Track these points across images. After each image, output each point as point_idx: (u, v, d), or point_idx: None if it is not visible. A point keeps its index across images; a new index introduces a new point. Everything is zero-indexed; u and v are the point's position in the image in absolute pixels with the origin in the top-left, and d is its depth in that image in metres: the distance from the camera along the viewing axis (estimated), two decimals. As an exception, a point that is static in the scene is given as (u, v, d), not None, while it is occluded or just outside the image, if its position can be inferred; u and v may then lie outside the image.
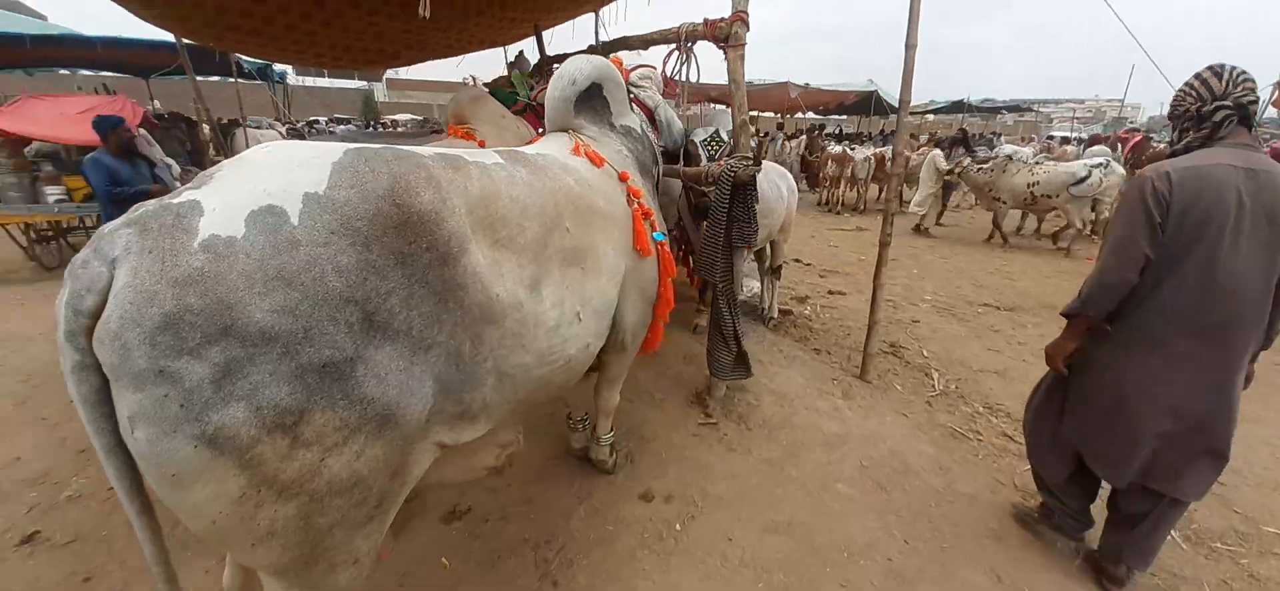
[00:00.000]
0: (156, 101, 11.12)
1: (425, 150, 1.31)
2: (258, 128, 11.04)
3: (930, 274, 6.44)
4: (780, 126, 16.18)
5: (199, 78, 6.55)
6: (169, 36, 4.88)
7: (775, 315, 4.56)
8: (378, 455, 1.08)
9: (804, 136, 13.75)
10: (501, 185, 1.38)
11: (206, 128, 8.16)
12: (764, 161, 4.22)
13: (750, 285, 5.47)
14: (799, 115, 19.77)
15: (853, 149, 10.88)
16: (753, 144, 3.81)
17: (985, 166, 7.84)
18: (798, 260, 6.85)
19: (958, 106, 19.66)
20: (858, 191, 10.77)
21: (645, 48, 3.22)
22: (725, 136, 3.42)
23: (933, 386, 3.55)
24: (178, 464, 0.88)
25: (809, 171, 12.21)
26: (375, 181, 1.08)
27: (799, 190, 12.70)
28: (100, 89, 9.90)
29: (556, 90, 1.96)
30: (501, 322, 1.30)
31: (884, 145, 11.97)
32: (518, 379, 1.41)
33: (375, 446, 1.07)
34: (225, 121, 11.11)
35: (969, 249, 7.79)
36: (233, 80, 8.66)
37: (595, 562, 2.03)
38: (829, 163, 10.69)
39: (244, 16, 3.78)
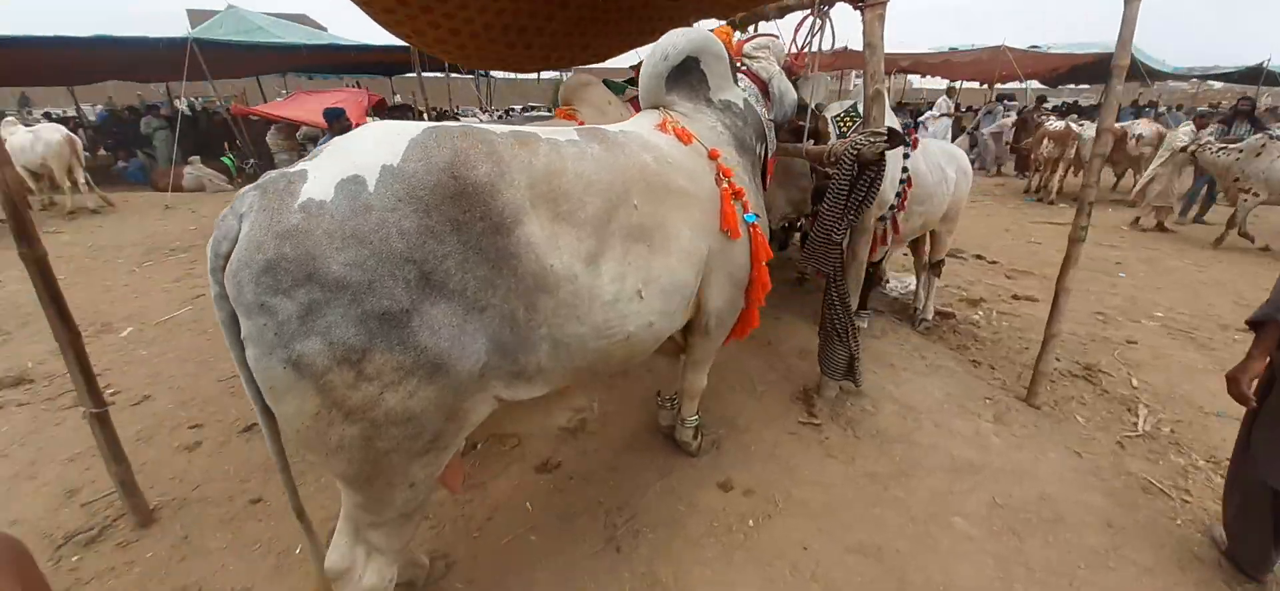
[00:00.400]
0: (398, 95, 13.62)
1: (499, 128, 1.42)
2: (465, 115, 12.88)
3: (1171, 284, 5.05)
4: (950, 93, 13.82)
5: (425, 74, 7.88)
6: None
7: (929, 317, 3.99)
8: (430, 397, 1.22)
9: (1013, 111, 11.62)
10: (569, 161, 1.43)
11: (424, 115, 9.85)
12: (925, 140, 3.70)
13: (904, 281, 4.88)
14: (1016, 85, 16.70)
15: (1081, 124, 8.89)
16: (903, 122, 3.37)
17: (1234, 147, 5.89)
18: (981, 256, 5.88)
19: (1252, 74, 14.59)
20: (1084, 177, 8.79)
21: (781, 16, 3.02)
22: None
23: (1134, 424, 2.82)
24: (273, 379, 1.11)
25: (1018, 152, 10.31)
26: (439, 155, 1.21)
27: (1008, 175, 10.88)
28: (354, 85, 12.42)
29: (649, 66, 1.95)
30: (556, 292, 1.36)
31: (1137, 118, 9.57)
32: (573, 348, 1.45)
33: (427, 389, 1.21)
34: (439, 110, 13.12)
35: (1238, 256, 5.90)
36: (446, 76, 10.20)
37: (660, 539, 2.05)
38: (1044, 141, 8.89)
39: (453, 33, 4.47)
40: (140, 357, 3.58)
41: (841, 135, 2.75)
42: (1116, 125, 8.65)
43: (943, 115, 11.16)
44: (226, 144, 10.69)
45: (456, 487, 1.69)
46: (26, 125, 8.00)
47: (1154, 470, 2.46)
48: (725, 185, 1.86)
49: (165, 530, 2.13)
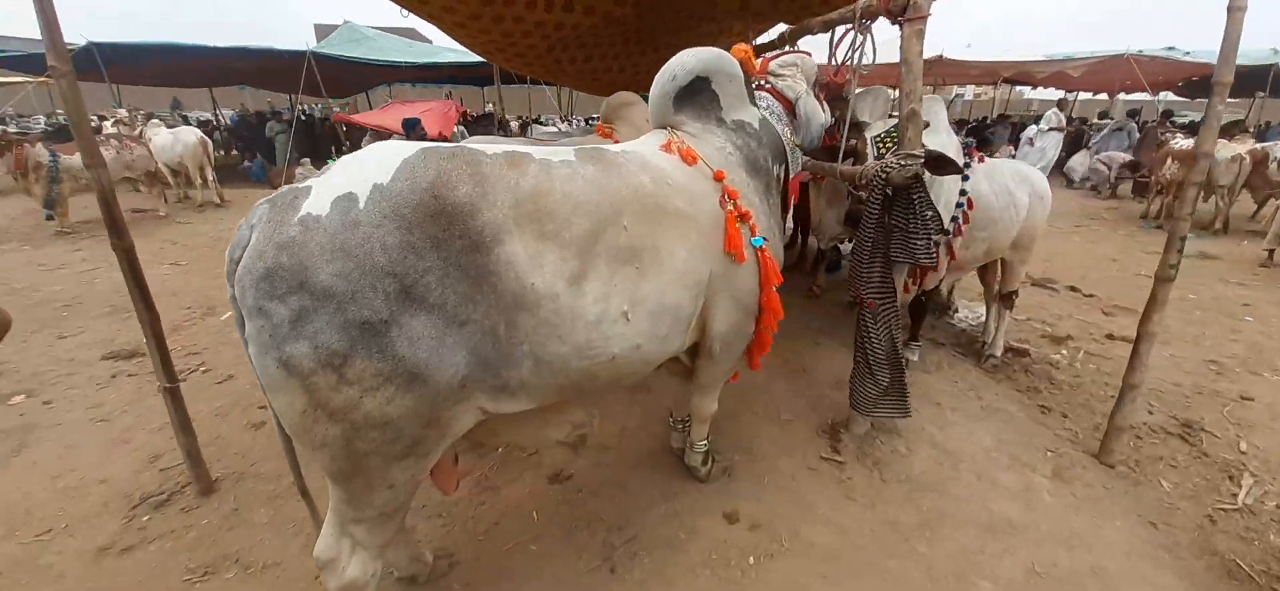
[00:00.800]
0: (490, 104, 14.41)
1: (492, 149, 1.47)
2: (542, 125, 13.42)
3: (1312, 333, 4.29)
4: (1062, 105, 12.38)
5: (509, 86, 8.33)
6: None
7: (997, 353, 3.64)
8: (407, 404, 1.29)
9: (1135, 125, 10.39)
10: (558, 181, 1.46)
11: (514, 123, 10.37)
12: (993, 160, 3.41)
13: (976, 311, 4.50)
14: (1144, 96, 14.90)
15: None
16: (963, 141, 3.12)
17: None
18: (1076, 288, 5.30)
19: None
20: (1217, 203, 7.69)
21: (826, 30, 2.90)
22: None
23: (1233, 495, 2.43)
24: (268, 377, 1.22)
25: (1135, 172, 9.21)
26: (423, 175, 1.28)
27: (1125, 197, 9.72)
28: (447, 95, 13.28)
29: (657, 86, 1.94)
30: (536, 311, 1.39)
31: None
32: (556, 366, 1.48)
33: (405, 396, 1.28)
34: (521, 119, 13.74)
35: None
36: (527, 87, 10.68)
37: (657, 563, 2.02)
38: (1168, 161, 7.86)
39: (510, 47, 4.73)
40: (234, 340, 4.03)
41: (878, 156, 2.59)
42: (1258, 147, 7.51)
43: (1051, 130, 10.16)
44: (333, 148, 11.82)
45: (450, 489, 1.76)
46: (169, 128, 9.24)
47: (1247, 551, 2.11)
48: (730, 207, 1.81)
49: (222, 500, 2.38)
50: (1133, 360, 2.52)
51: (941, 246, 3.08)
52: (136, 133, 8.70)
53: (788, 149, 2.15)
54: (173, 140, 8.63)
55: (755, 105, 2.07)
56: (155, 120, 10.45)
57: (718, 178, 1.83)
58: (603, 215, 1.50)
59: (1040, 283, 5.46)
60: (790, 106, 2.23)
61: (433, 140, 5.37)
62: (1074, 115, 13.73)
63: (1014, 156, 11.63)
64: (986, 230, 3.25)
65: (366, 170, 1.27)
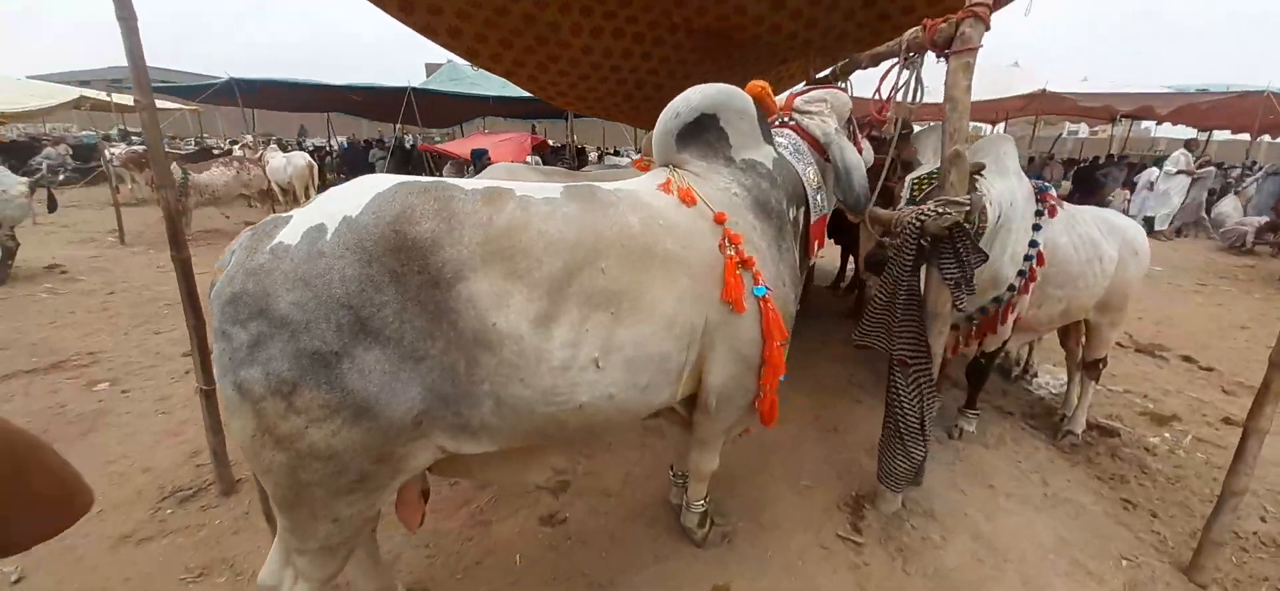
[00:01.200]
0: (576, 135, 15.06)
1: (472, 184, 1.46)
2: (615, 155, 13.71)
3: None
4: (1191, 146, 10.75)
5: (582, 120, 8.64)
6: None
7: (1077, 431, 3.14)
8: (354, 437, 1.26)
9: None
10: (535, 219, 1.41)
11: (594, 152, 10.68)
12: (1077, 208, 3.00)
13: (1058, 377, 3.95)
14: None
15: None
16: (1038, 184, 2.78)
17: None
18: (1191, 359, 4.54)
19: None
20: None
21: (875, 64, 2.70)
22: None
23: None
24: (226, 397, 1.25)
25: (1276, 232, 7.90)
26: (389, 209, 1.28)
27: (1263, 253, 8.34)
28: (531, 128, 14.00)
29: (660, 123, 1.85)
30: (498, 351, 1.34)
31: None
32: (520, 410, 1.42)
33: (352, 430, 1.25)
34: (598, 150, 14.15)
35: None
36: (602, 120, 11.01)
37: (631, 633, 1.86)
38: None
39: (599, 101, 4.91)
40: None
41: (912, 202, 2.33)
42: None
43: (1179, 173, 8.99)
44: (427, 175, 12.81)
45: (413, 526, 1.72)
46: (284, 152, 10.37)
47: None
48: (731, 252, 1.67)
49: (238, 502, 2.50)
50: (1236, 461, 2.06)
51: (1005, 303, 2.74)
52: (257, 156, 9.84)
53: (809, 190, 1.98)
54: (285, 163, 9.67)
55: (771, 143, 1.92)
56: (273, 145, 11.77)
57: (718, 220, 1.70)
58: (579, 256, 1.43)
59: (1146, 349, 4.73)
60: (818, 146, 2.06)
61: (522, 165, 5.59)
62: (1212, 159, 12.03)
63: (1129, 204, 10.39)
64: (1064, 288, 2.85)
65: (342, 202, 1.29)
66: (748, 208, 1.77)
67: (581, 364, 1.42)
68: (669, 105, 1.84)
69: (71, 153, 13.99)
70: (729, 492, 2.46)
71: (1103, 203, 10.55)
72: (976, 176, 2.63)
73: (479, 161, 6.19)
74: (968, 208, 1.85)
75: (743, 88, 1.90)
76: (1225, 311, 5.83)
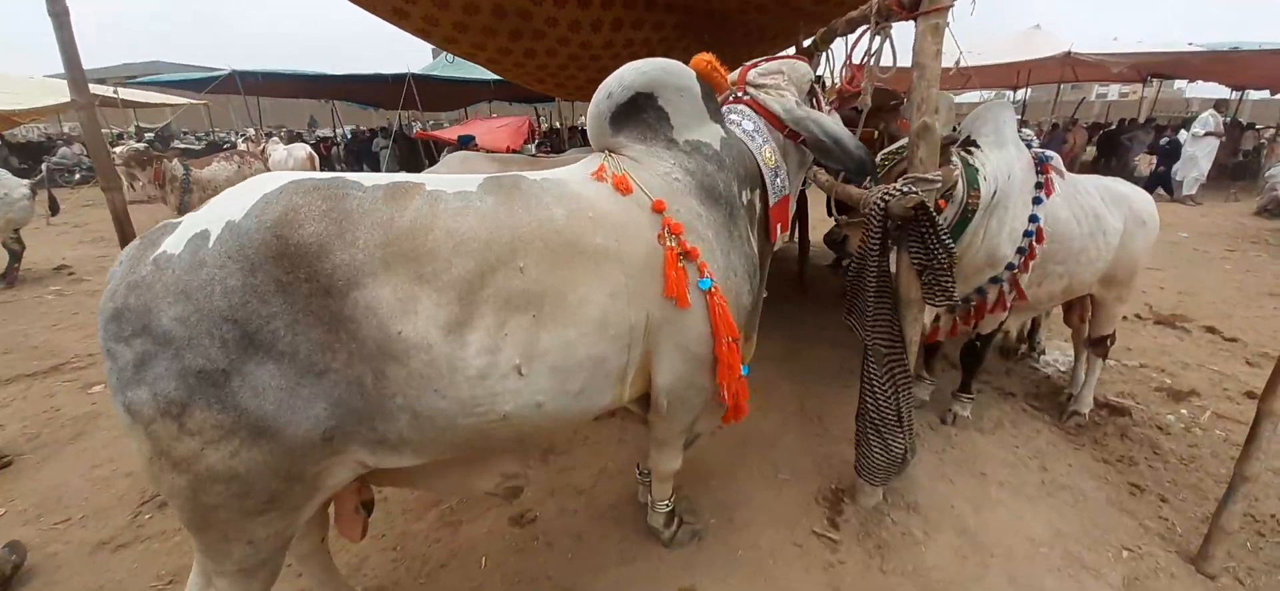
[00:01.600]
0: (584, 119, 14.93)
1: (373, 180, 1.35)
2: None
3: None
4: (1221, 107, 10.16)
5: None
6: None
7: (1083, 410, 2.98)
8: (256, 459, 1.20)
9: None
10: (443, 217, 1.31)
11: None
12: (1079, 177, 2.80)
13: (1067, 354, 3.76)
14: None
15: None
16: (1038, 153, 2.59)
17: None
18: (1214, 330, 4.29)
19: None
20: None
21: (850, 31, 2.51)
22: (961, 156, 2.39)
23: None
24: (119, 417, 1.19)
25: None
26: (271, 212, 1.19)
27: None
28: (533, 112, 13.85)
29: (592, 105, 1.71)
30: (406, 362, 1.26)
31: None
32: (439, 422, 1.34)
33: (252, 451, 1.19)
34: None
35: None
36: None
37: (591, 640, 1.80)
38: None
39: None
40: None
41: (877, 179, 2.17)
42: None
43: (1207, 135, 8.50)
44: (427, 160, 12.72)
45: (355, 538, 1.67)
46: (286, 144, 10.39)
47: None
48: (671, 244, 1.55)
49: (212, 506, 2.48)
50: (1248, 445, 1.90)
51: (1004, 283, 2.57)
52: (259, 149, 9.86)
53: (765, 171, 1.83)
54: (286, 155, 9.65)
55: (719, 122, 1.77)
56: (274, 138, 11.80)
57: (657, 208, 1.57)
58: (493, 255, 1.32)
59: (1167, 320, 4.49)
60: (778, 122, 1.90)
61: (502, 153, 5.48)
62: (1243, 119, 11.37)
63: (1157, 168, 9.86)
64: (1065, 263, 2.67)
65: (229, 205, 1.21)
66: (691, 193, 1.63)
67: (502, 372, 1.33)
68: (601, 85, 1.70)
69: (85, 153, 14.22)
70: (702, 488, 2.38)
71: (1128, 168, 10.02)
72: (968, 151, 2.46)
73: (465, 148, 6.09)
74: (938, 186, 1.70)
75: (730, 67, 1.75)
76: (1254, 278, 5.50)
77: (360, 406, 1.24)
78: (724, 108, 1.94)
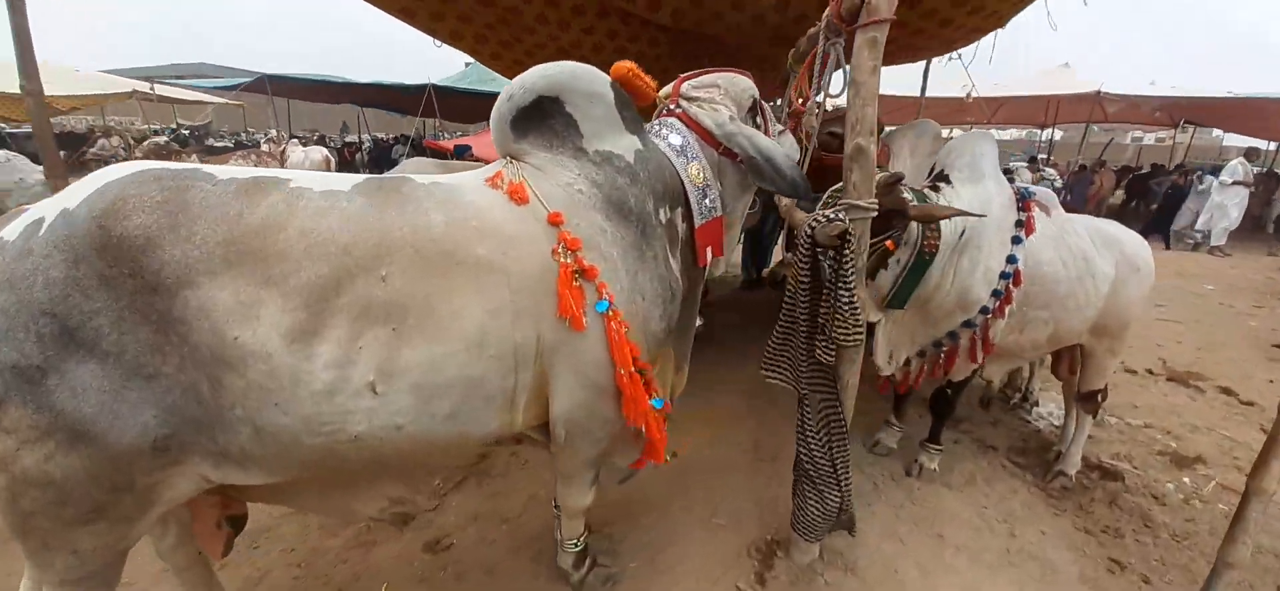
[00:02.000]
0: None
1: (230, 172, 1.27)
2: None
3: None
4: (1252, 155, 9.72)
5: None
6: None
7: (1070, 472, 2.72)
8: (74, 465, 1.11)
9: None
10: (300, 216, 1.21)
11: None
12: (1069, 216, 2.61)
13: (1054, 408, 3.51)
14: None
15: None
16: (1024, 189, 2.41)
17: None
18: (1229, 391, 3.97)
19: None
20: None
21: (814, 46, 2.38)
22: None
23: None
24: None
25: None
26: (101, 201, 1.11)
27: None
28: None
29: (494, 108, 1.60)
30: (243, 371, 1.16)
31: None
32: (284, 440, 1.23)
33: (70, 456, 1.10)
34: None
35: None
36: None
37: (474, 688, 1.64)
38: None
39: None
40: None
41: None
42: None
43: (1235, 183, 8.09)
44: (438, 168, 12.98)
45: (217, 555, 1.56)
46: (304, 147, 10.66)
47: None
48: (567, 260, 1.42)
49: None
50: (1234, 527, 1.68)
51: (977, 328, 2.38)
52: (279, 150, 10.12)
53: (690, 189, 1.70)
54: (303, 156, 9.91)
55: (637, 133, 1.65)
56: (295, 140, 12.13)
57: (553, 221, 1.45)
58: (352, 261, 1.22)
59: (1180, 377, 4.17)
60: (711, 138, 1.76)
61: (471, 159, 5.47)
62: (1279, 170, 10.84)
63: (1156, 213, 9.37)
64: (1049, 308, 2.46)
65: (72, 192, 1.15)
66: (596, 207, 1.50)
67: (354, 389, 1.22)
68: (505, 87, 1.60)
69: (123, 146, 14.80)
70: (632, 525, 2.22)
71: (1164, 215, 9.55)
72: (936, 188, 2.28)
73: (461, 158, 6.11)
74: (873, 214, 1.54)
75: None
76: (1282, 336, 5.12)
77: (197, 415, 1.16)
78: (655, 120, 1.83)
